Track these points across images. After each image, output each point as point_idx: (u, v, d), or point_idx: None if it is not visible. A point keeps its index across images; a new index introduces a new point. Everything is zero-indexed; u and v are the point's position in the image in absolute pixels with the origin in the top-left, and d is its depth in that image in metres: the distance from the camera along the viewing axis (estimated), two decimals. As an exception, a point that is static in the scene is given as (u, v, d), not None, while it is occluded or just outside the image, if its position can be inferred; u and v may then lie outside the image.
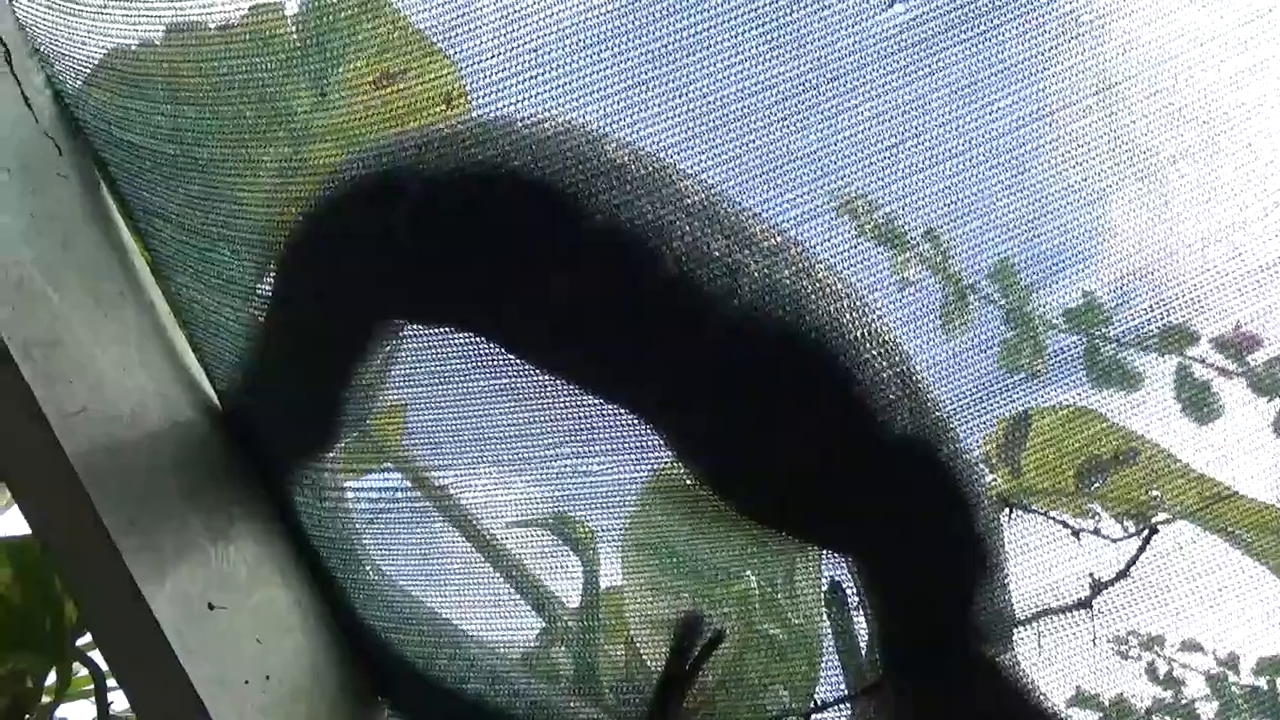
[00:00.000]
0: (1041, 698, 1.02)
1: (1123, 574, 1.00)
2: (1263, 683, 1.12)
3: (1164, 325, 1.01)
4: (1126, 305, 0.99)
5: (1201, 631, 1.05)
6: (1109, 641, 1.09)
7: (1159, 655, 1.12)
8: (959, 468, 0.96)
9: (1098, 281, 0.99)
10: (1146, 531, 0.99)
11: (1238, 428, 1.03)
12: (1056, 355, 1.04)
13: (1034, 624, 1.03)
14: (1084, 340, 1.03)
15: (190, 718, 1.01)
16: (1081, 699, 1.08)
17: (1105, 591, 1.02)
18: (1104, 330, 1.02)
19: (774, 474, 0.99)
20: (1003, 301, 1.02)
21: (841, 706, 1.10)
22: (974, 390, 1.02)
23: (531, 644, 1.24)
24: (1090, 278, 0.99)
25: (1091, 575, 1.02)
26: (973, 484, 0.97)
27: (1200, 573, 1.02)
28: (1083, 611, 1.02)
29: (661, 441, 1.00)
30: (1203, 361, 1.02)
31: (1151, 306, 0.99)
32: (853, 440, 0.95)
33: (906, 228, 1.00)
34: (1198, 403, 1.03)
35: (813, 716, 1.10)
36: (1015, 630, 1.03)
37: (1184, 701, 1.13)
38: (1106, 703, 1.07)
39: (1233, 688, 1.13)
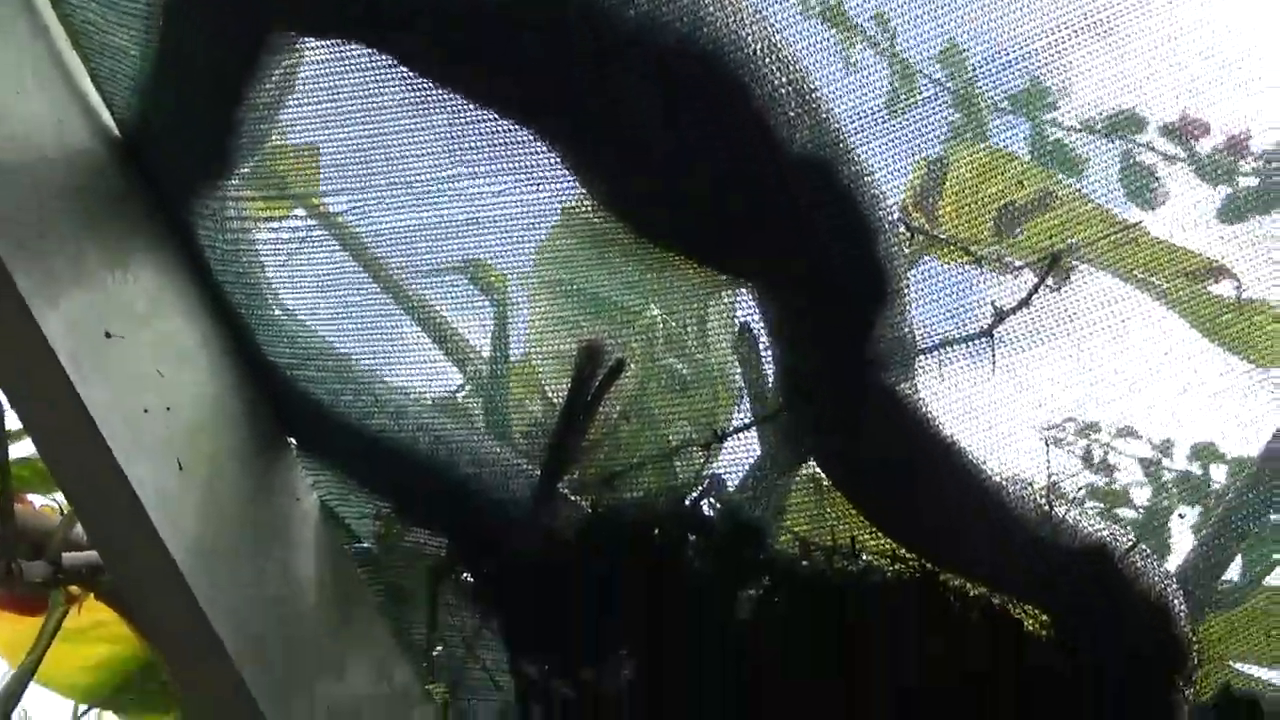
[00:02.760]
0: (939, 427, 1.02)
1: (1024, 303, 1.00)
2: (1196, 468, 1.12)
3: (1110, 110, 0.99)
4: (1073, 88, 0.97)
5: (1105, 378, 1.05)
6: (1045, 428, 1.08)
7: (1094, 441, 1.12)
8: (859, 190, 0.95)
9: (1044, 65, 0.96)
10: (1050, 260, 0.98)
11: (1182, 214, 1.01)
12: (1001, 138, 1.02)
13: (936, 353, 1.02)
14: (1029, 125, 1.01)
15: (86, 444, 1.00)
16: (1015, 479, 1.08)
17: (1007, 322, 1.01)
18: (1049, 115, 1.00)
19: (673, 193, 0.97)
20: (949, 85, 1.00)
21: (746, 439, 1.10)
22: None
23: (440, 386, 1.23)
24: (1037, 62, 0.96)
25: (994, 304, 1.00)
26: (875, 207, 0.96)
27: (1102, 305, 1.01)
28: (984, 341, 1.01)
29: (560, 160, 0.97)
30: (1149, 148, 1.00)
31: (1097, 86, 0.97)
32: (750, 157, 0.93)
33: (853, 9, 0.97)
34: (1142, 189, 1.01)
35: (713, 446, 1.09)
36: (917, 360, 1.02)
37: (1117, 487, 1.13)
38: (1040, 487, 1.07)
39: (1165, 473, 1.13)
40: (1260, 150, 1.00)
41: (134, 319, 1.06)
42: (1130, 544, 1.03)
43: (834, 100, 0.95)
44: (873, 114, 0.97)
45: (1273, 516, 1.09)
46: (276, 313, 1.16)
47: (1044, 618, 1.07)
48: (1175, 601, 1.05)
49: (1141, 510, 1.13)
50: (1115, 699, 1.06)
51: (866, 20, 0.97)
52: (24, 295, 0.95)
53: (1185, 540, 1.13)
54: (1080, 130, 1.00)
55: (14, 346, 0.97)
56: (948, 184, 1.05)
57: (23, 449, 1.52)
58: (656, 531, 1.10)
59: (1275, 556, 1.12)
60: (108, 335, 1.02)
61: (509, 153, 0.99)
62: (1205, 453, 1.12)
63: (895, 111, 0.99)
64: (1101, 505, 1.12)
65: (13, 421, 1.39)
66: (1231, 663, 1.13)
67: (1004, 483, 1.04)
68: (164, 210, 1.13)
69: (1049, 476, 1.04)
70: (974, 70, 0.98)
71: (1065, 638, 1.06)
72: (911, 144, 1.00)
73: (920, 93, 0.99)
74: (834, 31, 0.98)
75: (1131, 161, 1.01)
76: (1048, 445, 1.04)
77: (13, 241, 0.95)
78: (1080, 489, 1.09)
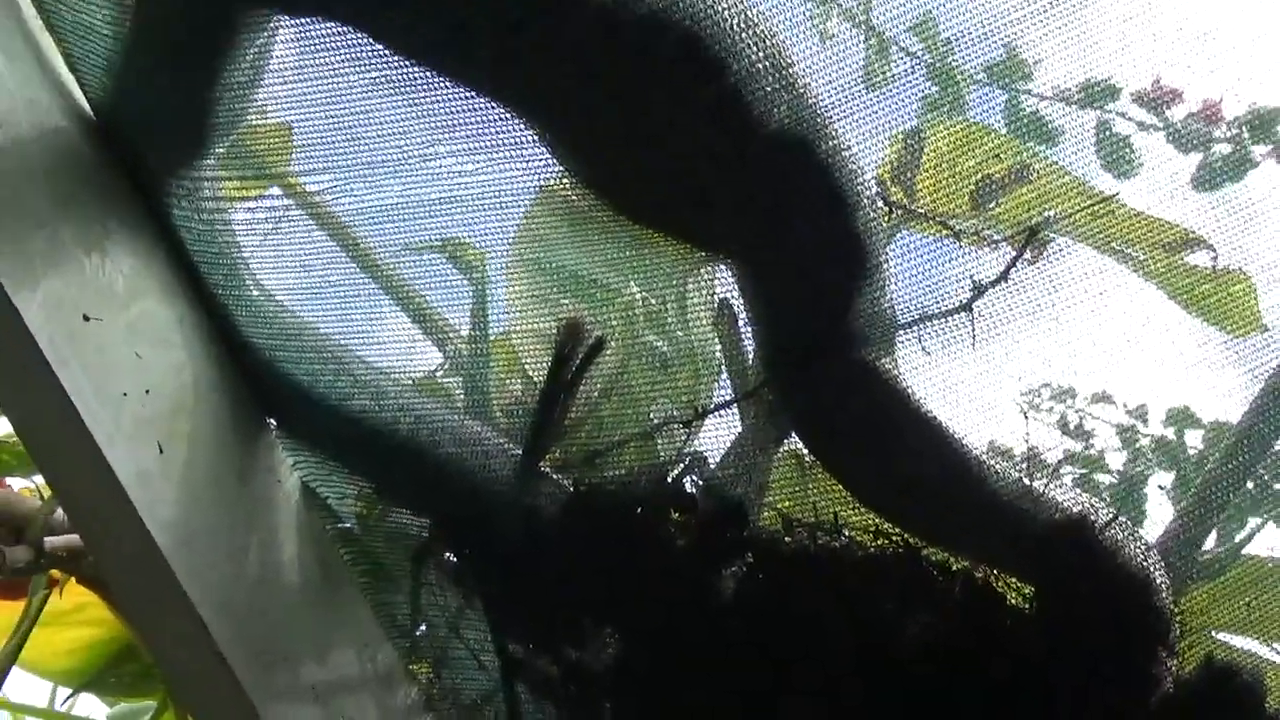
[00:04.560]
0: (919, 401, 1.02)
1: (1003, 276, 0.99)
2: (1171, 433, 1.12)
3: (1085, 79, 0.99)
4: (1048, 59, 0.97)
5: (1083, 350, 1.05)
6: (1021, 395, 1.08)
7: (1070, 408, 1.12)
8: (838, 164, 0.94)
9: (1020, 34, 0.96)
10: (1028, 233, 0.98)
11: (1156, 182, 1.01)
12: (977, 110, 1.02)
13: (915, 329, 1.02)
14: (1005, 95, 1.01)
15: (65, 428, 0.99)
16: (995, 451, 1.08)
17: (986, 295, 1.01)
18: (1025, 85, 1.00)
19: (650, 168, 0.97)
20: (924, 56, 1.00)
21: (728, 416, 1.10)
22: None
23: (420, 365, 1.23)
24: (1014, 33, 0.96)
25: (973, 279, 1.00)
26: (853, 182, 0.95)
27: (1081, 278, 1.01)
28: (963, 315, 1.01)
29: (536, 137, 0.97)
30: (1123, 116, 1.00)
31: (1073, 57, 0.97)
32: (727, 132, 0.92)
33: None
34: (1117, 157, 1.01)
35: (694, 423, 1.09)
36: (896, 335, 1.02)
37: (1094, 453, 1.14)
38: (1019, 456, 1.07)
39: (1142, 439, 1.13)
40: (1233, 117, 1.00)
41: (112, 301, 1.06)
42: (1111, 516, 1.03)
43: (810, 74, 0.95)
44: (849, 88, 0.96)
45: (1250, 486, 1.09)
46: (254, 293, 1.16)
47: (1027, 591, 1.07)
48: (1157, 573, 1.05)
49: (1117, 475, 1.13)
50: (1100, 671, 1.06)
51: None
52: (1, 279, 0.94)
53: (1162, 505, 1.14)
54: (1055, 100, 1.00)
55: (-7, 333, 0.97)
56: (925, 157, 1.04)
57: (-1, 430, 1.51)
58: (639, 510, 1.10)
59: (1253, 524, 1.12)
60: (85, 318, 1.02)
61: (486, 130, 0.98)
62: (1180, 417, 1.12)
63: (871, 85, 0.98)
64: (1078, 471, 1.12)
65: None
66: (1214, 633, 1.13)
67: (984, 456, 1.04)
68: (139, 191, 1.13)
69: (1029, 449, 1.04)
70: (950, 41, 0.98)
71: (1048, 610, 1.06)
72: (888, 117, 0.99)
73: (896, 65, 0.99)
74: (809, 4, 0.97)
75: (1106, 130, 1.01)
76: (1026, 417, 1.04)
77: (-13, 225, 0.94)
78: (1057, 456, 1.09)
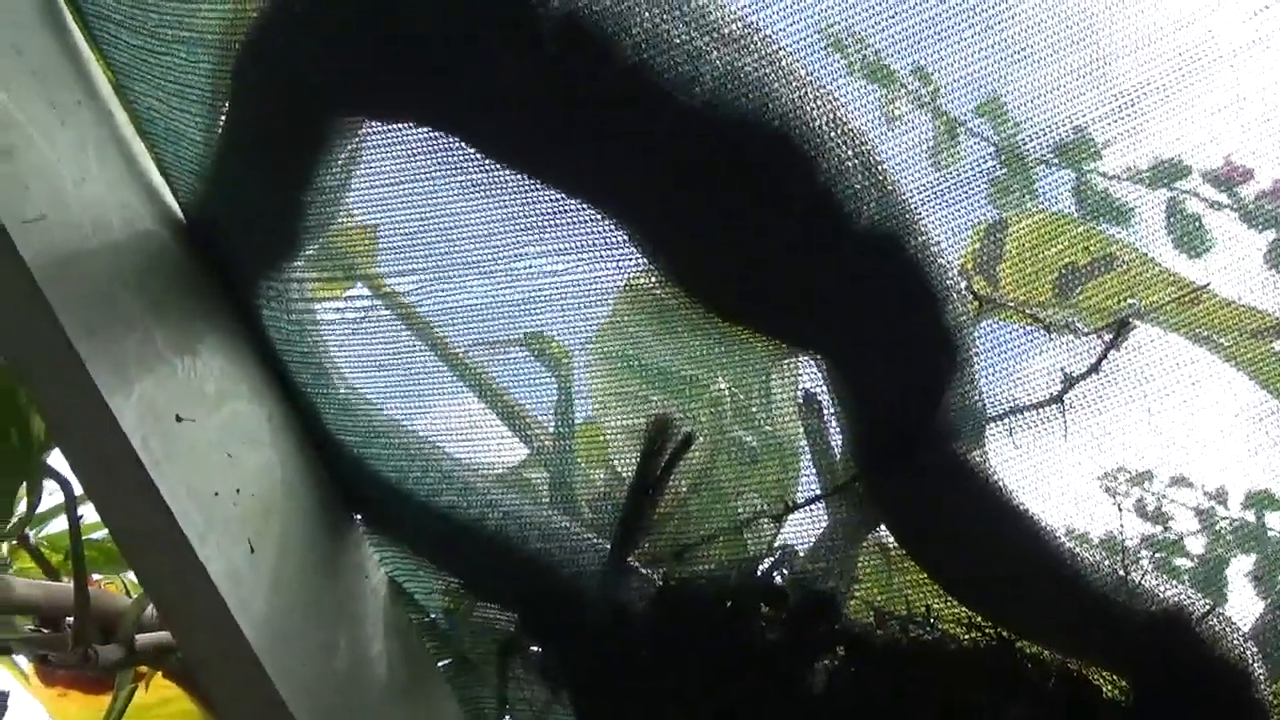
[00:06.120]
0: (1010, 495, 1.01)
1: (1094, 368, 0.99)
2: (1250, 516, 1.11)
3: (1155, 158, 0.99)
4: (1118, 138, 0.97)
5: (1177, 440, 1.04)
6: (1097, 478, 1.08)
7: (1147, 491, 1.11)
8: (927, 259, 0.95)
9: (1089, 115, 0.96)
10: (1119, 326, 0.97)
11: (1229, 261, 1.01)
12: (1047, 191, 1.02)
13: (1006, 421, 1.01)
14: (1074, 175, 1.01)
15: (159, 527, 1.00)
16: (1071, 537, 1.07)
17: (1078, 387, 1.00)
18: (1095, 165, 1.00)
19: (740, 266, 0.97)
20: (993, 137, 1.00)
21: (814, 508, 1.10)
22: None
23: (507, 461, 1.23)
24: (1081, 111, 0.96)
25: (1064, 371, 1.00)
26: (941, 277, 0.96)
27: (1173, 368, 1.00)
28: (1054, 407, 1.00)
29: (626, 237, 0.98)
30: (1194, 195, 1.00)
31: (1142, 135, 0.97)
32: (818, 230, 0.93)
33: (896, 64, 0.97)
34: (1189, 236, 1.01)
35: (784, 518, 1.09)
36: (986, 428, 1.02)
37: (1172, 537, 1.13)
38: (1096, 540, 1.07)
39: (1221, 522, 1.12)
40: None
41: (203, 402, 1.07)
42: (1208, 608, 1.02)
43: (894, 169, 0.95)
44: (930, 182, 0.97)
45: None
46: (342, 391, 1.17)
47: (1122, 683, 1.06)
48: (1255, 664, 1.04)
49: (1197, 559, 1.12)
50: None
51: (908, 76, 0.97)
52: (96, 381, 0.96)
53: (1242, 586, 1.12)
54: (1125, 179, 1.00)
55: (88, 432, 0.98)
56: (1007, 247, 1.04)
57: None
58: (729, 604, 1.09)
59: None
60: (178, 419, 1.03)
61: (575, 230, 0.99)
62: (1260, 500, 1.11)
63: (939, 168, 0.99)
64: (1157, 555, 1.11)
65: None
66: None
67: (1077, 548, 1.03)
68: (229, 292, 1.14)
69: (1108, 534, 1.03)
70: (1017, 123, 0.98)
71: (1145, 703, 1.04)
72: (962, 202, 0.99)
73: (964, 147, 0.99)
74: (880, 90, 0.98)
75: (1177, 209, 1.01)
76: (1120, 509, 1.04)
77: (83, 328, 0.96)
78: (1135, 540, 1.08)
